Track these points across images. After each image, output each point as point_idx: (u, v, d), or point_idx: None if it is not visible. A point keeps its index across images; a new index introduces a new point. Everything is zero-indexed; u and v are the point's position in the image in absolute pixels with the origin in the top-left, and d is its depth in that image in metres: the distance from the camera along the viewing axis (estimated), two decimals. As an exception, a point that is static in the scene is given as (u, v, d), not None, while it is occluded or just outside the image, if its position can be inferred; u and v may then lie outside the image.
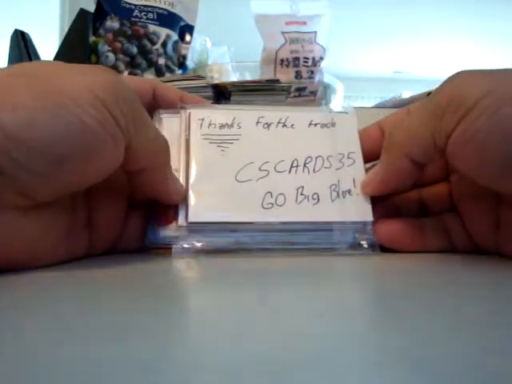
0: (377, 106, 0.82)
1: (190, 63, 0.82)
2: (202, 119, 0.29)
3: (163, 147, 0.25)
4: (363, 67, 4.45)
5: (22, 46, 0.82)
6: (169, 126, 0.28)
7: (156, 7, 0.75)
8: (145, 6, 0.75)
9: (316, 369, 0.11)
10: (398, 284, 0.22)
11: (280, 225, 0.27)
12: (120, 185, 0.26)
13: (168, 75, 0.75)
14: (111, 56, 0.73)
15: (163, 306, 0.17)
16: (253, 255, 0.26)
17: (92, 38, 0.75)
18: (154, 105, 0.29)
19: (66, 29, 0.84)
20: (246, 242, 0.26)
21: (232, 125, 0.29)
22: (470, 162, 0.23)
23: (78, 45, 0.79)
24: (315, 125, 0.30)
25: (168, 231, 0.26)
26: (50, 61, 0.24)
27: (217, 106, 0.34)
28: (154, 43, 0.75)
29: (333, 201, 0.27)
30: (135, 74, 0.73)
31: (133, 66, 0.73)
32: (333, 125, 0.30)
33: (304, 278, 0.22)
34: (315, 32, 0.77)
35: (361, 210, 0.27)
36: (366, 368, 0.11)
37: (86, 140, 0.20)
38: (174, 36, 0.77)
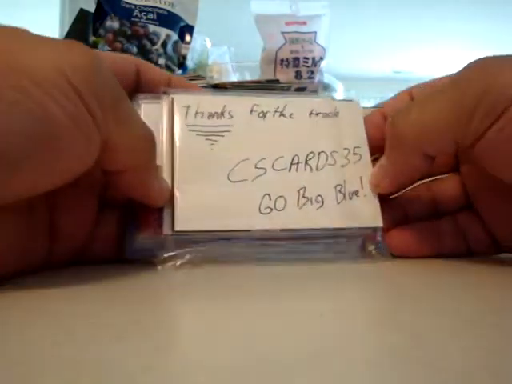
0: (377, 106, 0.81)
1: (189, 63, 0.82)
2: (188, 107, 0.25)
3: (148, 145, 0.21)
4: (363, 67, 4.44)
5: (22, 46, 0.82)
6: (149, 114, 0.24)
7: (156, 7, 0.75)
8: (145, 6, 0.75)
9: (316, 369, 0.11)
10: (405, 286, 0.22)
11: (280, 232, 0.24)
12: (90, 180, 0.22)
13: (168, 75, 0.75)
14: (111, 56, 0.73)
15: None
16: (247, 265, 0.23)
17: (92, 38, 0.75)
18: (137, 88, 0.24)
19: (66, 29, 0.84)
20: (242, 252, 0.23)
21: (222, 114, 0.25)
22: (502, 163, 0.21)
23: (78, 45, 0.79)
24: (317, 114, 0.26)
25: (150, 240, 0.22)
26: (10, 27, 0.17)
27: (205, 91, 0.29)
28: (154, 43, 0.75)
29: (338, 203, 0.25)
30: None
31: (133, 66, 0.73)
32: (336, 114, 0.27)
33: (307, 284, 0.22)
34: (315, 32, 0.77)
35: (370, 215, 0.25)
36: (366, 368, 0.11)
37: (52, 136, 0.16)
38: (174, 36, 0.77)
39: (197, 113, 0.25)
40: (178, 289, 0.21)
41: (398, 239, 0.26)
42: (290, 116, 0.26)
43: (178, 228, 0.22)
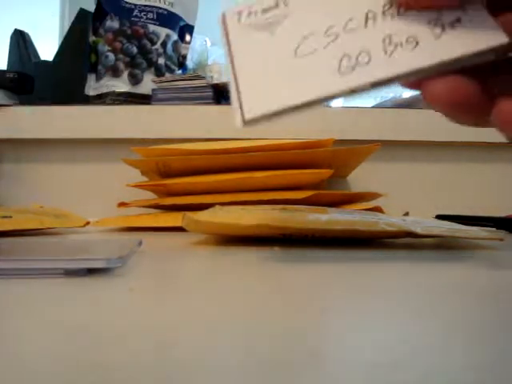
0: (377, 106, 0.81)
1: (189, 63, 0.82)
2: (239, 13, 0.24)
3: None
4: (363, 67, 4.43)
5: (21, 45, 0.82)
6: None
7: (156, 7, 0.75)
8: (145, 5, 0.75)
9: (316, 368, 0.11)
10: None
11: (371, 87, 0.21)
12: None
13: (168, 75, 0.75)
14: (111, 56, 0.73)
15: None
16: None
17: (92, 38, 0.75)
18: None
19: (66, 29, 0.84)
20: None
21: (277, 5, 0.24)
22: None
23: (77, 45, 0.79)
24: None
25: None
26: None
27: None
28: (153, 43, 0.75)
29: (439, 37, 0.21)
30: (135, 74, 0.73)
31: (133, 65, 0.73)
32: None
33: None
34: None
35: (488, 33, 0.20)
36: (366, 367, 0.11)
37: None
38: (174, 36, 0.77)
39: (249, 14, 0.24)
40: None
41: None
42: None
43: (248, 117, 0.21)
